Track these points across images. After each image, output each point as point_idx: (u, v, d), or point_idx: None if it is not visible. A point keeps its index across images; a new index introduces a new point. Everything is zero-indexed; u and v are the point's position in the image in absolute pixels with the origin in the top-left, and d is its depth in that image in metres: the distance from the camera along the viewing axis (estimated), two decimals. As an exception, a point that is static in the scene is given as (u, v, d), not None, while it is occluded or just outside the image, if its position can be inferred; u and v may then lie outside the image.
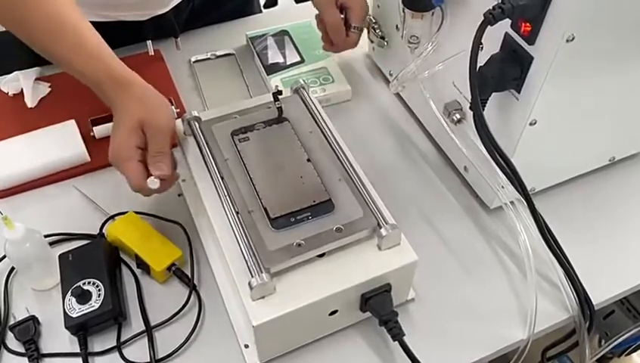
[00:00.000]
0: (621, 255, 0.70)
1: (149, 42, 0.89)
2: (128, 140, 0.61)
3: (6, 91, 0.83)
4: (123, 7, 0.85)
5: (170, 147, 0.64)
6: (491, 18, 0.53)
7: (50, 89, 0.83)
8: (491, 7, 0.53)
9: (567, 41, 0.53)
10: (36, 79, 0.84)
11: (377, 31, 0.84)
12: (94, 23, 0.85)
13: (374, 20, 0.84)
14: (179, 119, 0.68)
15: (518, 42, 0.57)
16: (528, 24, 0.55)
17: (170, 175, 0.63)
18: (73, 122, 0.78)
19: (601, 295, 0.66)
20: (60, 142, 0.75)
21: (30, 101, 0.82)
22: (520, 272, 0.68)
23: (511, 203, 0.66)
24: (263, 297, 0.55)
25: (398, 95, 0.86)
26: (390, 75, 0.87)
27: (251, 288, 0.54)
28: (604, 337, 1.05)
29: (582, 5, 0.51)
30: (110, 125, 0.78)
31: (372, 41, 0.87)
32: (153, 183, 0.61)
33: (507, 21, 0.56)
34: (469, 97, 0.65)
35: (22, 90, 0.83)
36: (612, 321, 1.06)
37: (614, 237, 0.72)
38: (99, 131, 0.78)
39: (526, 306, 0.64)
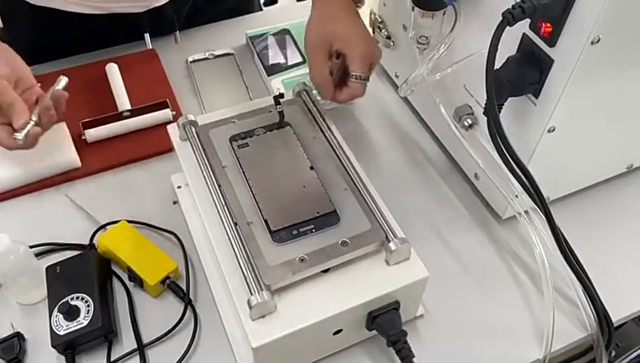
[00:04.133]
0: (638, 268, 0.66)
1: (147, 36, 0.86)
2: None
3: (-6, 92, 0.79)
4: None
5: (27, 87, 0.63)
6: (510, 18, 0.49)
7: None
8: (510, 7, 0.49)
9: (592, 43, 0.49)
10: (26, 79, 0.80)
11: (383, 31, 0.81)
12: (89, 16, 0.83)
13: (379, 19, 0.81)
14: (174, 123, 0.65)
15: (537, 44, 0.54)
16: (549, 25, 0.51)
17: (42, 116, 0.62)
18: (63, 124, 0.74)
19: (619, 312, 0.62)
20: (50, 146, 0.71)
21: (19, 102, 0.78)
22: (535, 287, 0.64)
23: (525, 212, 0.62)
24: (263, 316, 0.51)
25: (405, 98, 0.82)
26: (396, 77, 0.83)
27: (250, 307, 0.50)
28: (614, 349, 1.01)
29: (609, 4, 0.47)
30: (103, 128, 0.75)
31: (377, 42, 0.83)
32: (16, 139, 0.61)
33: (526, 21, 0.52)
34: (482, 102, 0.61)
35: (10, 90, 0.79)
36: (623, 332, 1.03)
37: (632, 249, 0.68)
38: (91, 134, 0.74)
39: (542, 324, 0.60)
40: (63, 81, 0.66)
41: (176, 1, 0.87)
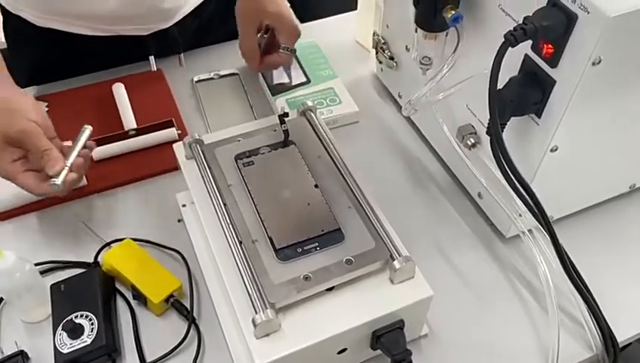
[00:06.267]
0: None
1: (151, 58, 0.87)
2: (1, 160, 0.60)
3: (1, 111, 0.80)
4: (124, 20, 0.83)
5: (51, 137, 0.62)
6: (512, 40, 0.50)
7: (47, 108, 0.81)
8: (512, 28, 0.50)
9: (593, 64, 0.50)
10: (33, 98, 0.81)
11: (386, 52, 0.82)
12: (94, 38, 0.84)
13: (382, 41, 0.82)
14: (180, 142, 0.65)
15: (539, 65, 0.54)
16: (550, 46, 0.52)
17: (73, 166, 0.62)
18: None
19: (624, 332, 0.62)
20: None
21: (26, 121, 0.79)
22: (539, 306, 0.64)
23: (529, 231, 0.62)
24: (268, 335, 0.51)
25: (408, 118, 0.83)
26: (399, 96, 0.84)
27: (255, 325, 0.50)
28: (620, 370, 1.00)
29: (610, 26, 0.48)
30: (109, 146, 0.75)
31: (380, 62, 0.85)
32: (53, 186, 0.60)
33: (528, 42, 0.53)
34: (484, 121, 0.62)
35: (18, 109, 0.80)
36: (629, 353, 1.02)
37: (636, 268, 0.68)
38: (97, 152, 0.75)
39: (547, 343, 0.60)
40: (88, 131, 0.66)
41: (181, 23, 0.88)
